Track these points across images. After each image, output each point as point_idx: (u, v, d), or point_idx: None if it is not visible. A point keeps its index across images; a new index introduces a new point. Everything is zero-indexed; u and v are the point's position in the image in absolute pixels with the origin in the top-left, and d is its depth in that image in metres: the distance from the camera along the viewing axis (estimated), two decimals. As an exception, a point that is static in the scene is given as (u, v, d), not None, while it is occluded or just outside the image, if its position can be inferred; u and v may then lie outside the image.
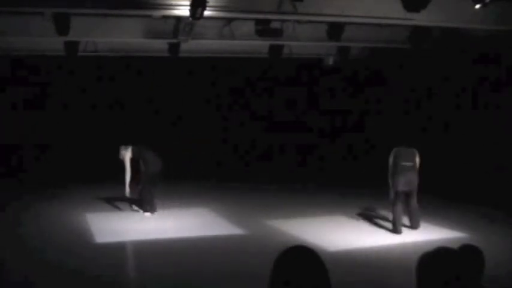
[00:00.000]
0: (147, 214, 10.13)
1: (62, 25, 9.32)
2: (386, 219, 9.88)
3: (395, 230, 8.70)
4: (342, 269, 7.00)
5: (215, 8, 8.04)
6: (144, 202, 10.21)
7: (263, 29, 10.28)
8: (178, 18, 9.74)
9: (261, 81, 16.21)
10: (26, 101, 14.51)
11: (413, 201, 8.94)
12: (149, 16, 10.05)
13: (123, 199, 11.05)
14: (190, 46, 11.51)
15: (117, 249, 8.03)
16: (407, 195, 8.88)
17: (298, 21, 10.48)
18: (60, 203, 10.99)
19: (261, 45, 12.12)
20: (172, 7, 8.26)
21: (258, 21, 10.28)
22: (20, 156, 14.29)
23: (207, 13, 7.86)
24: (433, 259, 2.42)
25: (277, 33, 10.36)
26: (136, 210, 10.40)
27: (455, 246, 2.92)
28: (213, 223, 9.79)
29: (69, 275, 6.67)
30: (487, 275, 3.32)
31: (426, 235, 8.51)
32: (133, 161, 10.12)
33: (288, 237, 8.48)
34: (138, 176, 10.13)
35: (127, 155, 10.08)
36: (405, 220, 8.92)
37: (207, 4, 7.63)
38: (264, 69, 15.47)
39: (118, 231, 8.95)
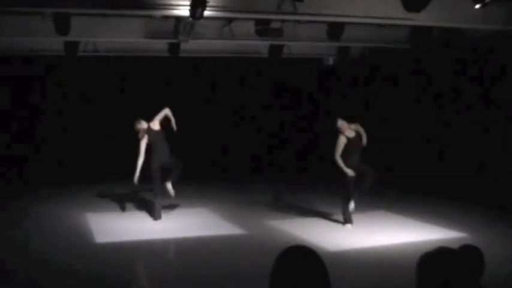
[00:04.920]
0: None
1: (62, 25, 9.31)
2: (386, 219, 9.89)
3: (351, 221, 9.06)
4: (342, 269, 7.01)
5: (215, 8, 8.04)
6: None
7: (263, 29, 10.27)
8: (178, 18, 9.74)
9: (260, 81, 16.22)
10: (25, 101, 14.50)
11: None
12: (149, 16, 10.05)
13: (124, 199, 11.07)
14: (190, 46, 11.51)
15: (117, 249, 8.02)
16: None
17: (298, 21, 10.49)
18: (60, 203, 10.99)
19: (261, 45, 12.12)
20: (172, 7, 8.26)
21: (258, 21, 10.28)
22: (19, 156, 14.27)
23: (207, 13, 7.86)
24: (433, 259, 2.42)
25: (277, 33, 10.36)
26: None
27: (455, 246, 2.92)
28: (213, 223, 9.79)
29: (69, 275, 6.67)
30: (487, 275, 3.33)
31: (426, 235, 8.51)
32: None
33: (288, 237, 8.48)
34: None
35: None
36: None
37: (207, 4, 7.64)
38: (264, 69, 15.48)
39: (118, 231, 8.95)
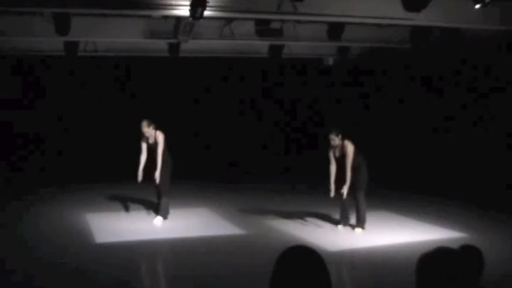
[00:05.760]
0: (159, 219, 9.55)
1: (62, 25, 9.32)
2: (387, 219, 9.89)
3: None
4: (342, 269, 7.02)
5: (215, 8, 8.04)
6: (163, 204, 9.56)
7: (263, 29, 10.28)
8: (178, 18, 9.74)
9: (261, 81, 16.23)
10: (25, 101, 14.51)
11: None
12: (149, 16, 10.06)
13: (124, 199, 11.07)
14: (190, 46, 11.51)
15: (117, 249, 8.02)
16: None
17: (298, 21, 10.49)
18: (60, 203, 10.99)
19: (261, 45, 12.13)
20: (172, 7, 8.26)
21: (258, 21, 10.29)
22: (19, 156, 14.29)
23: (207, 13, 7.87)
24: (433, 259, 2.42)
25: (277, 33, 10.36)
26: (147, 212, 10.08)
27: (455, 246, 2.92)
28: (213, 223, 9.79)
29: (69, 275, 6.67)
30: (487, 275, 3.33)
31: (426, 235, 8.51)
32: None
33: (289, 237, 8.48)
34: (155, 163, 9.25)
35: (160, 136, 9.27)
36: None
37: (207, 4, 7.64)
38: (264, 70, 15.49)
39: (118, 231, 8.95)
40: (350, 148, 8.56)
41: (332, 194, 8.64)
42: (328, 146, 8.81)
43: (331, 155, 8.73)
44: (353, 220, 9.01)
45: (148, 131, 9.32)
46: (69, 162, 14.24)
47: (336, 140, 8.55)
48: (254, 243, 8.37)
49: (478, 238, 7.89)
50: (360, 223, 8.84)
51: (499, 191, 10.56)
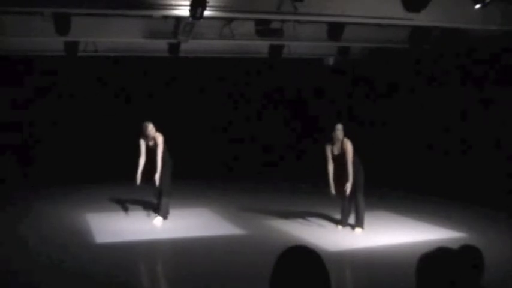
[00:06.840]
0: (159, 219, 9.56)
1: (62, 25, 9.32)
2: (386, 219, 9.89)
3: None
4: (342, 269, 7.02)
5: (215, 8, 8.04)
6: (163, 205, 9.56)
7: (263, 29, 10.28)
8: (178, 18, 9.74)
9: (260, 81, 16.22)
10: (25, 101, 14.50)
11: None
12: (149, 16, 10.05)
13: (124, 199, 11.07)
14: (190, 46, 11.51)
15: (117, 249, 8.03)
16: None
17: (298, 21, 10.49)
18: (60, 203, 10.99)
19: (261, 45, 12.12)
20: (172, 7, 8.26)
21: (258, 21, 10.28)
22: (19, 156, 14.29)
23: (207, 13, 7.86)
24: (433, 259, 2.42)
25: (277, 33, 10.36)
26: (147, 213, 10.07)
27: (455, 246, 2.92)
28: (213, 223, 9.79)
29: (69, 275, 6.67)
30: (487, 275, 3.33)
31: (426, 235, 8.51)
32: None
33: (288, 237, 8.48)
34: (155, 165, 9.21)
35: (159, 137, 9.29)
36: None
37: (207, 4, 7.64)
38: (264, 69, 15.48)
39: (118, 231, 8.95)
40: (350, 145, 8.61)
41: (333, 192, 8.64)
42: (325, 141, 8.83)
43: (328, 151, 8.73)
44: (352, 220, 9.01)
45: (151, 132, 9.34)
46: (69, 163, 14.23)
47: (340, 134, 8.58)
48: (254, 243, 8.37)
49: (478, 238, 7.90)
50: (359, 223, 8.85)
51: (499, 191, 10.55)
